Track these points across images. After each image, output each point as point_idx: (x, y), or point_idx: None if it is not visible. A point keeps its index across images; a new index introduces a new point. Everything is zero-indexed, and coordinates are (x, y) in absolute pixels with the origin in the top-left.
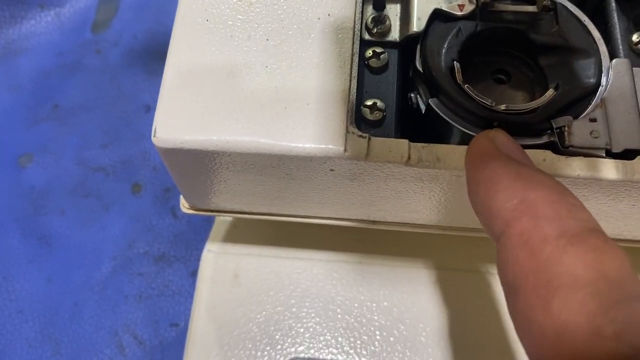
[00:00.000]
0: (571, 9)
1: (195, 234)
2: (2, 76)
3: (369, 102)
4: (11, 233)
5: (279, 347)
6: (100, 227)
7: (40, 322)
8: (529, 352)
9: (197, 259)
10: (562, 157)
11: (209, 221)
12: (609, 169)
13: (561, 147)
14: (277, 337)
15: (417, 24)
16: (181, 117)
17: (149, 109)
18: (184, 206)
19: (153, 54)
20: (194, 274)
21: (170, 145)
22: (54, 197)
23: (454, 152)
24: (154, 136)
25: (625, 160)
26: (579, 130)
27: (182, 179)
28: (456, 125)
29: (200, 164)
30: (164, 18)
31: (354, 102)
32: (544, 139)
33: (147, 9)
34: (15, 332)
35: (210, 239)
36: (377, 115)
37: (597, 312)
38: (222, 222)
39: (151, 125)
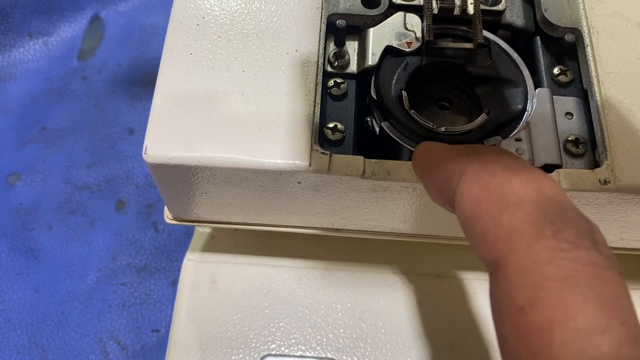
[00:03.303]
0: (503, 46)
1: (175, 246)
2: None
3: (330, 125)
4: (0, 247)
5: (253, 345)
6: (85, 241)
7: (28, 330)
8: (486, 260)
9: (177, 269)
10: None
11: (188, 234)
12: None
13: None
14: (251, 336)
15: (372, 59)
16: (168, 137)
17: (132, 131)
18: (168, 217)
19: (135, 81)
20: (174, 283)
21: (159, 161)
22: (41, 214)
23: (402, 167)
24: (145, 153)
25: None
26: (506, 149)
27: (168, 191)
28: (404, 144)
29: (185, 177)
30: (145, 48)
31: (318, 124)
32: None
33: (130, 39)
34: (3, 340)
35: (190, 249)
36: (337, 135)
37: (538, 219)
38: (201, 233)
39: (134, 146)
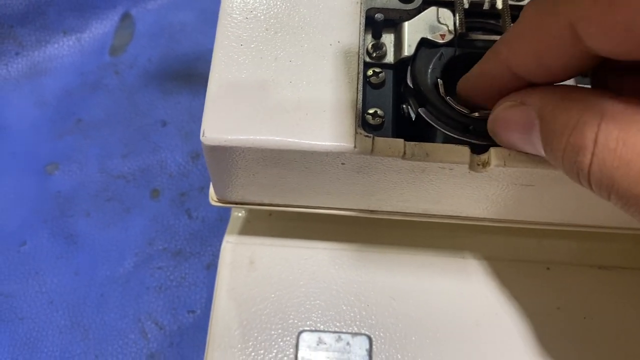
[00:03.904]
0: None
1: (209, 232)
2: (29, 94)
3: (371, 111)
4: (41, 233)
5: (290, 321)
6: (122, 227)
7: (70, 311)
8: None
9: (210, 254)
10: (522, 153)
11: (221, 221)
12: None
13: None
14: (288, 312)
15: (408, 50)
16: (224, 121)
17: (165, 123)
18: (213, 199)
19: (166, 76)
20: (208, 267)
21: (215, 143)
22: (79, 201)
23: (439, 149)
24: (203, 136)
25: None
26: None
27: (219, 173)
28: (440, 129)
29: (237, 159)
30: (174, 44)
31: (360, 110)
32: None
33: (160, 36)
34: (47, 320)
35: (228, 232)
36: (377, 121)
37: None
38: (237, 218)
39: (167, 138)
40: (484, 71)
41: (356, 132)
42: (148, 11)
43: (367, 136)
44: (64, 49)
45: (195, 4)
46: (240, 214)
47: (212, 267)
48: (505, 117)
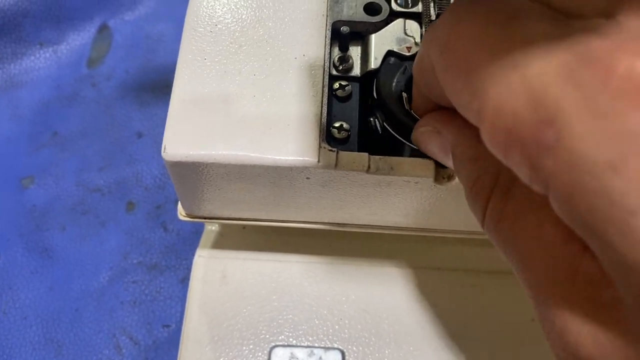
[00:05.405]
0: None
1: (184, 245)
2: (4, 107)
3: (336, 124)
4: (15, 247)
5: (262, 336)
6: (97, 241)
7: (43, 326)
8: None
9: (186, 267)
10: None
11: (196, 233)
12: None
13: None
14: (260, 327)
15: (375, 62)
16: (186, 137)
17: (141, 135)
18: (181, 214)
19: (144, 87)
20: (183, 280)
21: (177, 159)
22: (54, 215)
23: (403, 163)
24: (164, 152)
25: None
26: None
27: (184, 188)
28: (405, 142)
29: (200, 174)
30: (152, 55)
31: (325, 124)
32: None
33: (137, 47)
34: (20, 337)
35: (200, 246)
36: (343, 134)
37: None
38: (210, 232)
39: (143, 150)
40: (415, 92)
41: (320, 147)
42: (125, 22)
43: (331, 150)
44: (41, 61)
45: (173, 15)
46: (213, 228)
47: (187, 281)
48: (424, 140)
